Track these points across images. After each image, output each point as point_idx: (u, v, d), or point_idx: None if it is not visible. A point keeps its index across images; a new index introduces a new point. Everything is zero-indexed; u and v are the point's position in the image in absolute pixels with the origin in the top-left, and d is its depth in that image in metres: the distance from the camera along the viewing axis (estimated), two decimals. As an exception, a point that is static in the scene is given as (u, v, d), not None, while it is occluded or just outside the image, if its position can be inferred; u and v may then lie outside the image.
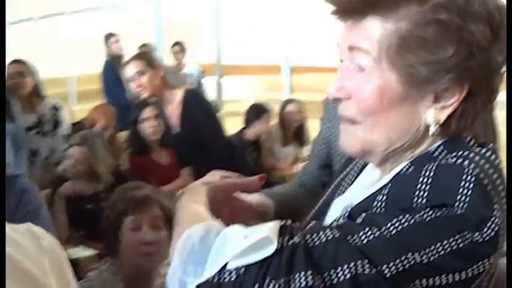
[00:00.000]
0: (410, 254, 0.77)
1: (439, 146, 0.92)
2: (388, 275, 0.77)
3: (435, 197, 0.81)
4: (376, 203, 0.86)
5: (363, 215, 0.85)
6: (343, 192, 1.09)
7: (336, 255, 0.78)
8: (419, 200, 0.81)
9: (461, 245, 0.78)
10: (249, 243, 0.79)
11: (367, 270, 0.77)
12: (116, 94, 5.95)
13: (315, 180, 1.68)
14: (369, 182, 1.03)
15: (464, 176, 0.82)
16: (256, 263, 0.78)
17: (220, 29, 7.31)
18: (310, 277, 0.76)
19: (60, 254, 0.98)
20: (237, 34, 7.23)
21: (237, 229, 0.83)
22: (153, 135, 3.77)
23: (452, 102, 0.90)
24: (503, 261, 0.87)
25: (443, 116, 0.91)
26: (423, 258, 0.78)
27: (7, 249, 0.88)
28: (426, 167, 0.85)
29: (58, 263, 0.96)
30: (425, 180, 0.83)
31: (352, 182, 1.10)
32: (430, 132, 0.91)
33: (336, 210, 1.01)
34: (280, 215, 1.27)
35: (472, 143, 0.93)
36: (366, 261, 0.77)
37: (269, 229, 0.81)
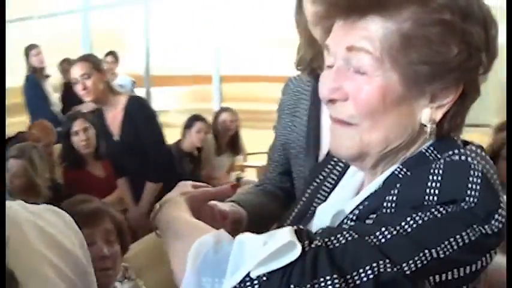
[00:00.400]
0: (427, 250, 0.78)
1: (430, 146, 0.94)
2: (408, 273, 0.78)
3: (446, 194, 0.82)
4: (386, 203, 0.86)
5: (373, 216, 0.86)
6: (324, 199, 1.09)
7: (358, 256, 0.78)
8: (431, 197, 0.82)
9: (472, 238, 0.80)
10: (272, 249, 0.77)
11: (388, 269, 0.77)
12: (39, 109, 5.75)
13: (277, 188, 1.66)
14: (353, 187, 1.04)
15: (472, 172, 0.83)
16: (279, 269, 0.76)
17: (149, 40, 7.22)
18: (336, 280, 0.75)
19: (79, 231, 0.98)
20: (165, 44, 7.15)
21: (252, 236, 0.82)
22: (85, 149, 3.69)
23: (448, 101, 0.92)
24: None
25: (438, 116, 0.92)
26: (440, 253, 0.79)
27: (40, 223, 0.88)
28: (434, 165, 0.86)
29: (80, 238, 0.96)
30: (435, 178, 0.84)
31: (332, 188, 1.10)
32: (428, 132, 0.92)
33: (323, 217, 1.00)
34: (252, 223, 1.28)
35: (459, 142, 0.95)
36: (387, 260, 0.77)
37: (289, 234, 0.79)
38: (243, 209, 1.31)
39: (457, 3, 0.88)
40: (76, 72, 3.40)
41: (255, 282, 0.76)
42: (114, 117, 3.49)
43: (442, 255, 0.79)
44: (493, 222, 0.81)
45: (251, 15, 6.74)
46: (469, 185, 0.82)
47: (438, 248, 0.79)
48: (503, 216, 0.82)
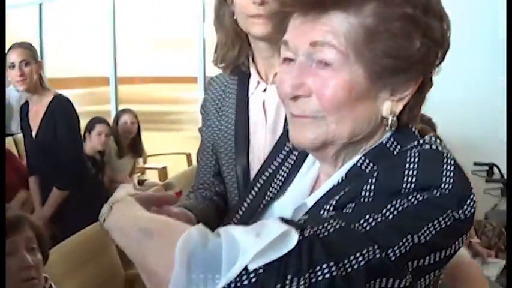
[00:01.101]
0: (410, 235, 0.80)
1: (389, 138, 0.95)
2: (393, 259, 0.78)
3: (422, 181, 0.83)
4: (363, 192, 0.86)
5: (350, 205, 0.86)
6: (276, 192, 1.09)
7: (348, 243, 0.77)
8: (408, 185, 0.83)
9: (448, 223, 0.82)
10: (268, 239, 0.74)
11: (377, 255, 0.77)
12: None
13: (213, 193, 1.64)
14: (309, 180, 1.05)
15: (445, 160, 0.86)
16: (275, 261, 0.74)
17: (42, 41, 6.97)
18: (333, 268, 0.74)
19: None
20: (59, 46, 6.93)
21: (240, 228, 0.79)
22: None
23: (407, 94, 0.94)
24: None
25: (399, 108, 0.94)
26: (421, 238, 0.80)
27: None
28: (408, 154, 0.87)
29: None
30: (411, 166, 0.85)
31: (284, 181, 1.10)
32: (389, 124, 0.94)
33: (283, 212, 1.00)
34: None
35: (417, 133, 0.98)
36: (376, 246, 0.77)
37: (281, 224, 0.78)
38: (191, 213, 1.29)
39: None
40: (15, 57, 3.28)
41: (252, 275, 0.73)
42: (37, 112, 3.40)
43: (422, 240, 0.80)
44: (465, 207, 0.84)
45: (144, 17, 6.67)
46: (444, 173, 0.84)
47: (420, 233, 0.80)
48: (474, 202, 0.85)
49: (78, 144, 3.49)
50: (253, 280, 0.73)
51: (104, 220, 0.96)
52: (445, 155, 0.87)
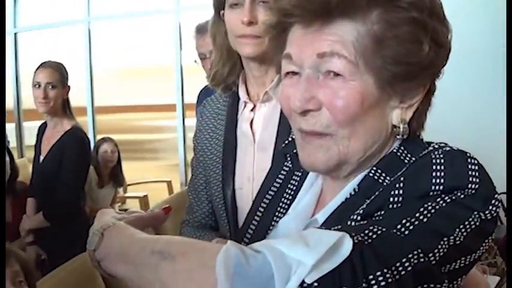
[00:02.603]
0: (445, 238, 0.78)
1: (399, 147, 0.94)
2: (433, 262, 0.76)
3: (450, 182, 0.82)
4: (392, 198, 0.83)
5: (380, 213, 0.83)
6: (285, 211, 1.06)
7: (394, 248, 0.75)
8: (436, 187, 0.82)
9: (477, 223, 0.81)
10: (323, 249, 0.70)
11: (421, 259, 0.75)
12: None
13: (210, 217, 1.65)
14: (313, 196, 1.03)
15: (469, 160, 0.84)
16: (329, 273, 0.70)
17: (19, 72, 6.89)
18: (387, 275, 0.71)
19: None
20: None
21: (283, 241, 0.74)
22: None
23: (417, 100, 0.92)
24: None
25: (409, 115, 0.92)
26: (456, 240, 0.78)
27: None
28: (433, 156, 0.85)
29: None
30: (438, 167, 0.83)
31: (291, 201, 1.07)
32: (400, 132, 0.92)
33: (287, 230, 0.99)
34: None
35: (424, 140, 0.96)
36: (419, 250, 0.75)
37: (330, 232, 0.74)
38: None
39: (423, 1, 0.88)
40: (42, 77, 3.17)
41: None
42: (50, 137, 3.30)
43: (457, 242, 0.78)
44: (491, 207, 0.82)
45: (120, 45, 6.64)
46: (470, 173, 0.83)
47: (454, 235, 0.78)
48: (498, 201, 0.84)
49: (78, 185, 3.32)
50: None
51: (95, 250, 0.88)
52: (468, 154, 0.86)
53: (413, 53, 0.87)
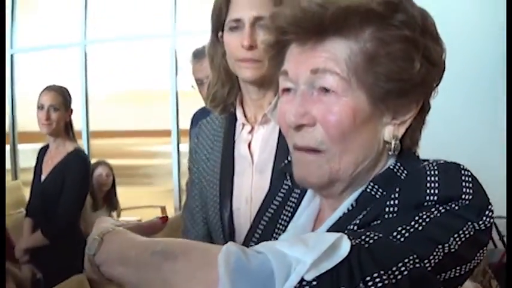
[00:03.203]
0: (440, 245, 0.79)
1: (396, 163, 0.95)
2: (429, 269, 0.78)
3: (444, 193, 0.84)
4: (387, 208, 0.86)
5: (376, 222, 0.85)
6: (284, 228, 1.07)
7: (391, 253, 0.76)
8: (431, 197, 0.84)
9: (471, 233, 0.83)
10: (322, 248, 0.72)
11: (417, 265, 0.77)
12: None
13: (206, 239, 1.63)
14: (312, 213, 1.04)
15: (463, 172, 0.86)
16: (327, 272, 0.72)
17: (14, 95, 6.88)
18: (384, 277, 0.73)
19: None
20: (30, 100, 6.83)
21: (282, 243, 0.77)
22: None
23: (409, 117, 0.94)
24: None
25: (401, 132, 0.94)
26: (450, 248, 0.80)
27: None
28: (427, 167, 0.87)
29: None
30: (432, 178, 0.85)
31: (290, 219, 1.08)
32: (392, 148, 0.94)
33: None
34: None
35: (418, 156, 0.98)
36: (415, 255, 0.77)
37: (328, 234, 0.76)
38: None
39: (415, 20, 0.90)
40: (45, 100, 3.30)
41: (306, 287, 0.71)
42: (52, 158, 3.39)
43: (452, 250, 0.80)
44: (484, 218, 0.84)
45: (116, 69, 6.66)
46: (463, 184, 0.85)
47: (449, 243, 0.80)
48: (492, 212, 0.86)
49: (78, 205, 3.41)
50: None
51: (94, 254, 0.88)
52: (461, 166, 0.88)
53: (405, 70, 0.89)
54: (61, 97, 3.38)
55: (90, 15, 6.46)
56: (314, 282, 0.72)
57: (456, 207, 0.83)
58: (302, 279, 0.72)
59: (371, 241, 0.77)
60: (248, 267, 0.72)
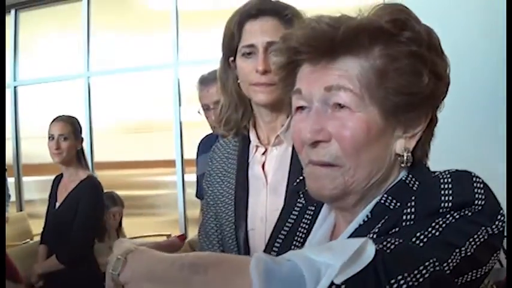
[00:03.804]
0: (457, 249, 0.82)
1: (408, 175, 0.98)
2: (448, 272, 0.80)
3: (458, 200, 0.87)
4: (404, 216, 0.89)
5: (394, 230, 0.88)
6: (300, 245, 1.09)
7: (413, 257, 0.78)
8: (446, 204, 0.87)
9: (485, 237, 0.86)
10: (349, 252, 0.74)
11: (437, 268, 0.78)
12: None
13: None
14: (327, 229, 1.07)
15: (474, 179, 0.90)
16: (353, 276, 0.74)
17: (18, 127, 6.88)
18: (408, 279, 0.75)
19: None
20: (34, 132, 6.85)
21: (309, 250, 0.79)
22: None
23: (419, 130, 0.98)
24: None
25: (412, 144, 0.98)
26: (467, 251, 0.83)
27: None
28: (440, 176, 0.90)
29: None
30: (446, 186, 0.88)
31: (306, 236, 1.10)
32: (404, 160, 0.96)
33: None
34: None
35: (428, 168, 1.01)
36: (435, 259, 0.79)
37: (353, 240, 0.78)
38: None
39: (421, 36, 0.94)
40: (55, 130, 3.41)
41: None
42: (66, 186, 3.49)
43: (468, 253, 0.83)
44: (497, 222, 0.88)
45: (119, 101, 6.68)
46: (476, 190, 0.88)
47: (465, 247, 0.83)
48: (504, 216, 0.89)
49: (90, 232, 3.47)
50: None
51: (119, 274, 0.89)
52: (473, 174, 0.91)
53: (414, 84, 0.93)
54: (70, 126, 3.49)
55: (92, 47, 6.50)
56: (343, 286, 0.73)
57: (469, 213, 0.86)
58: (332, 283, 0.73)
59: (392, 246, 0.79)
60: (279, 272, 0.74)
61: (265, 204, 1.61)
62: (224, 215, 1.65)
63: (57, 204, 3.52)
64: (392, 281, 0.74)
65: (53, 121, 3.54)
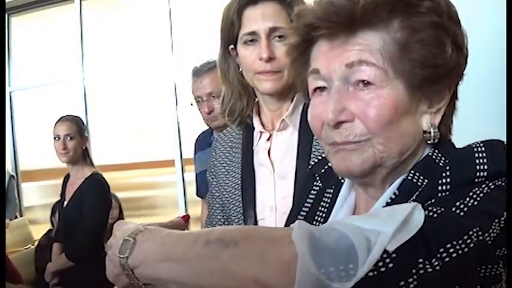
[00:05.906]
0: (497, 219, 0.78)
1: (434, 151, 0.95)
2: (489, 243, 0.77)
3: (494, 169, 0.84)
4: (440, 187, 0.85)
5: (430, 202, 0.83)
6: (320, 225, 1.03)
7: (456, 225, 0.75)
8: (481, 173, 0.83)
9: None
10: (400, 218, 0.71)
11: (480, 238, 0.75)
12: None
13: None
14: (349, 208, 1.03)
15: (506, 147, 0.87)
16: (404, 243, 0.70)
17: (15, 134, 6.84)
18: (457, 247, 0.72)
19: None
20: (31, 138, 6.80)
21: (356, 218, 0.75)
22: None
23: (443, 104, 0.94)
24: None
25: (437, 120, 0.95)
26: (501, 222, 0.79)
27: None
28: (473, 145, 0.87)
29: None
30: (481, 155, 0.85)
31: (325, 219, 1.06)
32: (431, 137, 0.93)
33: None
34: None
35: (453, 144, 0.98)
36: (478, 228, 0.76)
37: (404, 206, 0.75)
38: None
39: (440, 6, 0.91)
40: (61, 130, 3.47)
41: (387, 260, 0.69)
42: (73, 184, 3.55)
43: (503, 225, 0.79)
44: None
45: (116, 102, 6.64)
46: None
47: (503, 217, 0.79)
48: None
49: (97, 227, 3.49)
50: (390, 266, 0.68)
51: (128, 257, 0.83)
52: (504, 142, 0.88)
53: (438, 55, 0.89)
54: (75, 126, 3.55)
55: (86, 50, 6.46)
56: (394, 255, 0.69)
57: (503, 184, 0.83)
58: (383, 252, 0.69)
59: (435, 215, 0.76)
60: (327, 241, 0.70)
61: (273, 193, 1.56)
62: (231, 205, 1.61)
63: (66, 203, 3.60)
64: (441, 250, 0.71)
65: (57, 122, 3.59)
